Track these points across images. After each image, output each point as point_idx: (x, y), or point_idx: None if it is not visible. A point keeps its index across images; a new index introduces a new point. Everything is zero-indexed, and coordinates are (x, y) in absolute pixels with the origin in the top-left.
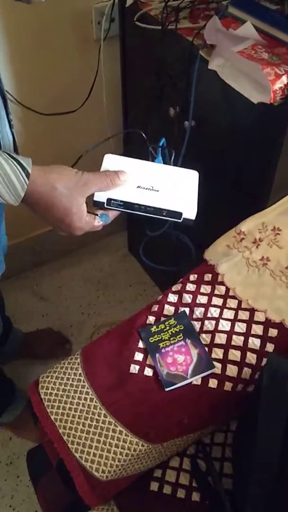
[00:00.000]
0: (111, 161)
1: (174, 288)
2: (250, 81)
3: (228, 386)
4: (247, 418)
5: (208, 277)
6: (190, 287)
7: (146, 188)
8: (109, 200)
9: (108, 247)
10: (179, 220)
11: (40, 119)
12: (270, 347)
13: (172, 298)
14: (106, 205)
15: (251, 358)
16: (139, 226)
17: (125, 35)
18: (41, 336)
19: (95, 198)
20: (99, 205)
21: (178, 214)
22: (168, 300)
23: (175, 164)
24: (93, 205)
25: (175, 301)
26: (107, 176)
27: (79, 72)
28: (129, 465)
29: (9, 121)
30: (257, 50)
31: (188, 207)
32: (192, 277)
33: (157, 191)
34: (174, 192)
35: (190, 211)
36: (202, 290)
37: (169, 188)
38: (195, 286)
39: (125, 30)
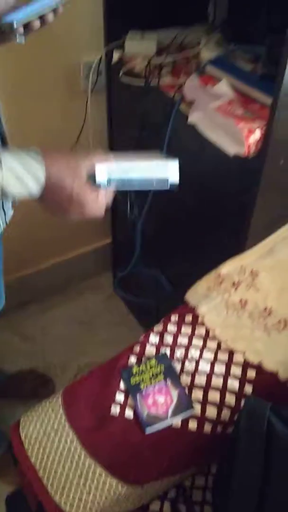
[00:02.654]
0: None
1: (155, 329)
2: (226, 135)
3: (207, 428)
4: (226, 461)
5: (188, 318)
6: (171, 327)
7: (135, 166)
8: (109, 179)
9: (93, 287)
10: (167, 187)
11: None
12: (248, 389)
13: (154, 338)
14: (107, 184)
15: (230, 399)
16: (122, 263)
17: (111, 88)
18: (24, 377)
19: (97, 179)
20: (98, 185)
21: (165, 181)
22: (150, 340)
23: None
24: (92, 183)
25: (157, 341)
26: (101, 154)
27: (67, 120)
28: (108, 508)
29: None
30: (233, 106)
31: (172, 173)
32: (173, 318)
33: (145, 166)
34: (158, 165)
35: (174, 176)
36: (183, 331)
37: (154, 164)
38: (176, 326)
39: (111, 84)
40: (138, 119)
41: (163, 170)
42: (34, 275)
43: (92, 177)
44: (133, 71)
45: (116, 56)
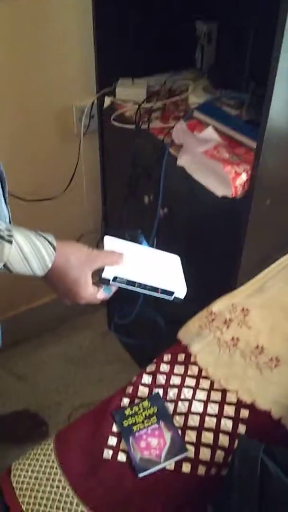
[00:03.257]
0: (112, 242)
1: (148, 369)
2: (214, 177)
3: (201, 470)
4: (221, 504)
5: (181, 357)
6: (164, 367)
7: (144, 269)
8: (115, 277)
9: (88, 325)
10: (170, 298)
11: (22, 205)
12: (242, 429)
13: (146, 379)
14: (112, 281)
15: (224, 440)
16: (119, 303)
17: (103, 131)
18: (17, 419)
19: (104, 275)
20: (104, 282)
21: (171, 293)
22: (142, 381)
23: (156, 247)
24: (99, 281)
25: (149, 382)
26: (113, 255)
27: (61, 162)
28: None
29: (5, 198)
30: (219, 150)
31: (178, 287)
32: (166, 357)
33: (152, 272)
34: (166, 273)
35: (180, 291)
36: (175, 370)
37: (162, 270)
38: (168, 366)
39: (103, 127)
40: (130, 161)
41: (172, 282)
42: (28, 313)
43: (98, 273)
44: (124, 116)
45: (107, 101)
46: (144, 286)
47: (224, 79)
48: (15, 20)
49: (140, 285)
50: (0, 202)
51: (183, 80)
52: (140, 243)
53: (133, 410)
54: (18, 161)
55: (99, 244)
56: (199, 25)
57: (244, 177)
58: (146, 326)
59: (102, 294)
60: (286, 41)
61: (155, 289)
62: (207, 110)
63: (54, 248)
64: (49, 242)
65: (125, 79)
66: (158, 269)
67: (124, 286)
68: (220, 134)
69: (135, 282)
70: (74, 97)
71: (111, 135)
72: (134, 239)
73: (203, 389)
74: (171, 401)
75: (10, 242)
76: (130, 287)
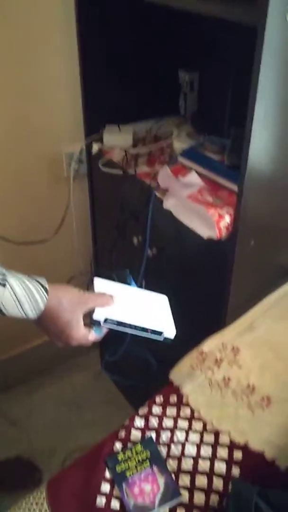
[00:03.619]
0: (101, 284)
1: (140, 412)
2: (199, 219)
3: None
4: None
5: (173, 398)
6: (156, 410)
7: (134, 310)
8: (105, 319)
9: (81, 365)
10: (160, 338)
11: (12, 248)
12: (236, 471)
13: (139, 422)
14: (103, 323)
15: (218, 484)
16: (111, 343)
17: (92, 176)
18: (10, 466)
19: (94, 317)
20: (95, 323)
21: (160, 333)
22: (135, 424)
23: (145, 287)
24: (90, 322)
25: (142, 425)
26: (103, 297)
27: (51, 205)
28: None
29: None
30: (203, 194)
31: (167, 327)
32: (158, 399)
33: (142, 313)
34: (155, 314)
35: (169, 331)
36: (168, 412)
37: (151, 310)
38: (161, 408)
39: (92, 172)
40: (119, 204)
41: (161, 322)
42: (20, 356)
43: (89, 315)
44: (112, 161)
45: (95, 148)
46: (134, 327)
47: (206, 125)
48: (4, 67)
49: (130, 326)
50: None
51: (167, 126)
52: (128, 283)
53: (126, 455)
54: (9, 205)
55: (89, 286)
56: (182, 74)
57: (227, 219)
58: (138, 366)
59: (93, 335)
60: (261, 89)
61: (145, 330)
62: (190, 156)
63: (46, 291)
64: (41, 285)
65: (111, 126)
66: (147, 310)
67: (114, 327)
68: (203, 178)
69: (125, 323)
70: (63, 143)
71: (99, 179)
72: (122, 279)
73: (196, 431)
74: (164, 444)
75: (3, 285)
76: (120, 328)
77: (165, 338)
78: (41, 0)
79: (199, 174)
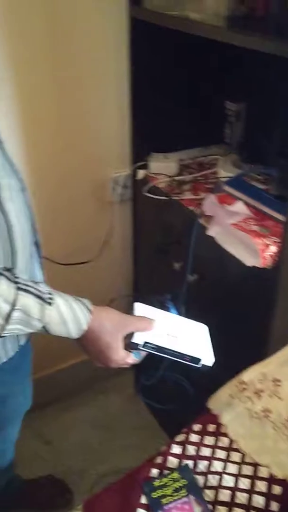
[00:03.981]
0: (142, 308)
1: (177, 439)
2: (243, 248)
3: None
4: None
5: (211, 427)
6: (194, 438)
7: (173, 336)
8: (145, 343)
9: (115, 388)
10: (198, 366)
11: (57, 268)
12: (275, 506)
13: (176, 449)
14: (142, 346)
15: None
16: (147, 367)
17: (136, 201)
18: (41, 485)
19: (133, 340)
20: (134, 346)
21: (198, 360)
22: (172, 451)
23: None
24: (129, 346)
25: (179, 453)
26: (144, 321)
27: (95, 228)
28: None
29: (40, 264)
30: (248, 222)
31: (206, 355)
32: (196, 427)
33: (181, 339)
34: (194, 341)
35: (208, 359)
36: (205, 441)
37: (190, 337)
38: (199, 437)
39: (136, 197)
40: (161, 228)
41: (200, 350)
42: (55, 375)
43: (129, 338)
44: (157, 188)
45: (141, 174)
46: (173, 353)
47: (252, 154)
48: (57, 93)
49: (169, 352)
50: (34, 268)
51: (212, 154)
52: (168, 309)
53: (163, 482)
54: (55, 227)
55: (129, 309)
56: (228, 105)
57: (272, 248)
58: (173, 391)
59: (132, 358)
60: None
61: (183, 356)
62: (236, 184)
63: (90, 312)
64: (85, 306)
65: (157, 154)
66: (186, 337)
67: (153, 352)
68: (249, 207)
69: (164, 348)
70: (109, 169)
71: (143, 204)
72: (163, 305)
73: (234, 462)
74: (201, 473)
75: (50, 304)
76: (159, 353)
77: (203, 366)
78: (95, 27)
79: (245, 203)
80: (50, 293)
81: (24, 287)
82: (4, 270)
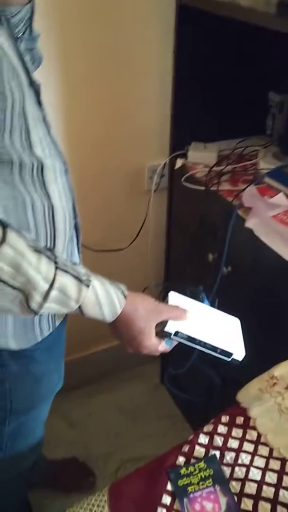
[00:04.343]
0: (176, 298)
1: (205, 429)
2: (282, 241)
3: None
4: None
5: (240, 420)
6: (222, 429)
7: (205, 327)
8: (177, 332)
9: (141, 376)
10: (228, 359)
11: (90, 255)
12: None
13: (203, 439)
14: (173, 335)
15: None
16: (176, 357)
17: (173, 190)
18: (66, 467)
19: (166, 329)
20: (167, 335)
21: (229, 354)
22: (199, 441)
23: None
24: (161, 334)
25: (206, 443)
26: (177, 310)
27: (130, 216)
28: None
29: (78, 248)
30: None
31: (237, 349)
32: (224, 419)
33: (213, 331)
34: (226, 334)
35: (239, 353)
36: (233, 433)
37: (222, 330)
38: (226, 428)
39: (173, 186)
40: (197, 219)
41: (231, 343)
42: (82, 360)
43: (161, 326)
44: (194, 177)
45: (179, 163)
46: (204, 344)
47: None
48: (102, 85)
49: (200, 343)
50: (74, 251)
51: (253, 146)
52: (202, 300)
53: (189, 470)
54: (90, 214)
55: (161, 298)
56: (272, 96)
57: None
58: (200, 383)
59: (163, 346)
60: None
61: (214, 349)
62: (277, 176)
63: (125, 296)
64: (121, 290)
65: (197, 143)
66: (218, 329)
67: (184, 341)
68: None
69: (195, 339)
70: (147, 157)
71: (179, 194)
72: (195, 296)
73: (261, 456)
74: (228, 465)
75: (87, 286)
76: (190, 343)
77: (233, 360)
78: (142, 14)
79: (286, 195)
80: (87, 275)
81: (63, 267)
82: (45, 249)
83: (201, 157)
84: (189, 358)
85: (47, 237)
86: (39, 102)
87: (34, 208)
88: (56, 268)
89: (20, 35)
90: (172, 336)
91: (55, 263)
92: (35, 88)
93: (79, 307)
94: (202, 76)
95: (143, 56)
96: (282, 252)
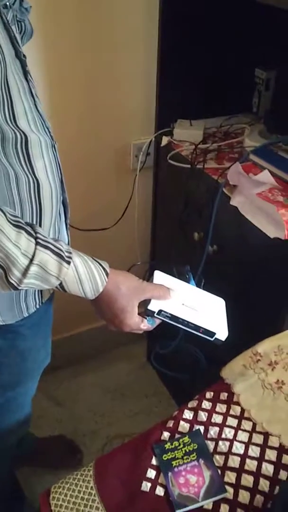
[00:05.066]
0: (160, 277)
1: (190, 405)
2: (267, 219)
3: None
4: None
5: (224, 396)
6: (206, 404)
7: (189, 307)
8: (160, 311)
9: (127, 355)
10: (211, 339)
11: (75, 234)
12: (283, 475)
13: (188, 414)
14: (157, 314)
15: (264, 485)
16: (162, 336)
17: (158, 169)
18: (53, 444)
19: (149, 307)
20: (150, 313)
21: (212, 333)
22: (184, 416)
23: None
24: (144, 312)
25: (191, 418)
26: (161, 289)
27: (116, 195)
28: None
29: (66, 224)
30: (274, 193)
31: (220, 329)
32: (208, 395)
33: (197, 310)
34: (210, 314)
35: (222, 333)
36: (217, 409)
37: (206, 310)
38: (211, 404)
39: (158, 164)
40: (182, 198)
41: (215, 323)
42: (69, 340)
43: (145, 304)
44: (180, 155)
45: (165, 140)
46: (187, 324)
47: (280, 124)
48: (86, 60)
49: (183, 322)
50: (62, 228)
51: (239, 123)
52: (187, 280)
53: (173, 445)
54: (75, 193)
55: (146, 277)
56: (258, 72)
57: None
58: (186, 362)
59: (146, 324)
60: None
61: (197, 328)
62: (263, 154)
63: (107, 274)
64: (103, 268)
65: (183, 120)
66: (202, 309)
67: (167, 320)
68: (275, 177)
69: (178, 318)
70: (133, 135)
71: (165, 172)
72: (181, 275)
73: (245, 430)
74: (211, 439)
75: (68, 263)
76: (173, 323)
77: (216, 339)
78: None
79: (271, 173)
80: (69, 251)
81: (43, 242)
82: (25, 224)
83: (187, 134)
84: (175, 337)
85: (33, 213)
86: (25, 75)
87: (19, 183)
88: (37, 243)
89: (8, 2)
90: (155, 314)
91: (36, 238)
92: (21, 60)
93: (60, 283)
94: (188, 53)
95: (128, 32)
96: (266, 229)
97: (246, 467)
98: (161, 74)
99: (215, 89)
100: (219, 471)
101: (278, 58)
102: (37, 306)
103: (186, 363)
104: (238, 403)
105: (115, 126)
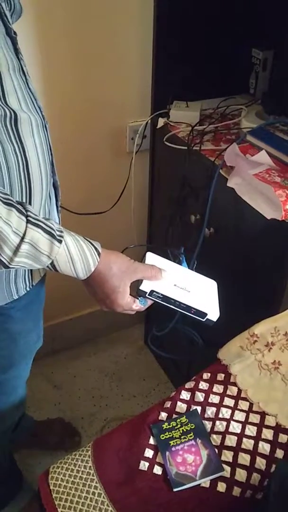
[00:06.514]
0: (153, 258)
1: (187, 386)
2: (264, 200)
3: (236, 491)
4: None
5: (221, 376)
6: (203, 385)
7: (181, 288)
8: (152, 291)
9: (125, 339)
10: (202, 319)
11: (71, 217)
12: (280, 453)
13: (185, 395)
14: (148, 295)
15: (261, 463)
16: (159, 319)
17: (155, 151)
18: (51, 427)
19: (141, 288)
20: (141, 294)
21: (204, 314)
22: (181, 397)
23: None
24: (136, 293)
25: (188, 398)
26: (153, 269)
27: (112, 178)
28: None
29: (57, 207)
30: (271, 174)
31: (212, 310)
32: (205, 376)
33: (189, 291)
34: (201, 295)
35: (213, 314)
36: (214, 389)
37: (198, 291)
38: (208, 385)
39: (155, 147)
40: (179, 180)
41: (206, 304)
42: (67, 324)
43: (137, 284)
44: (177, 137)
45: (161, 122)
46: (179, 304)
47: (277, 105)
48: (80, 38)
49: (175, 303)
50: (53, 210)
51: (236, 104)
52: (180, 262)
53: (171, 425)
54: (71, 176)
55: (144, 261)
56: (255, 53)
57: None
58: (183, 343)
59: (137, 305)
60: None
61: (188, 309)
62: (260, 134)
63: (99, 254)
64: (95, 248)
65: (179, 102)
66: (194, 290)
67: (159, 301)
68: (273, 158)
69: (170, 299)
70: (128, 117)
71: (162, 154)
72: (175, 257)
73: (241, 410)
74: (209, 419)
75: (60, 241)
76: (165, 303)
77: (208, 320)
78: None
79: (269, 154)
80: (60, 230)
81: (34, 221)
82: (16, 203)
83: (184, 116)
84: (172, 319)
85: (22, 194)
86: (16, 53)
87: (8, 162)
88: (28, 221)
89: None
90: (147, 295)
91: (27, 216)
92: (12, 37)
93: (52, 263)
94: (184, 33)
95: (124, 13)
96: (263, 210)
97: (243, 446)
98: (157, 55)
99: (211, 70)
100: (216, 450)
101: (275, 38)
102: (28, 289)
103: (183, 345)
104: (235, 384)
105: (110, 108)
